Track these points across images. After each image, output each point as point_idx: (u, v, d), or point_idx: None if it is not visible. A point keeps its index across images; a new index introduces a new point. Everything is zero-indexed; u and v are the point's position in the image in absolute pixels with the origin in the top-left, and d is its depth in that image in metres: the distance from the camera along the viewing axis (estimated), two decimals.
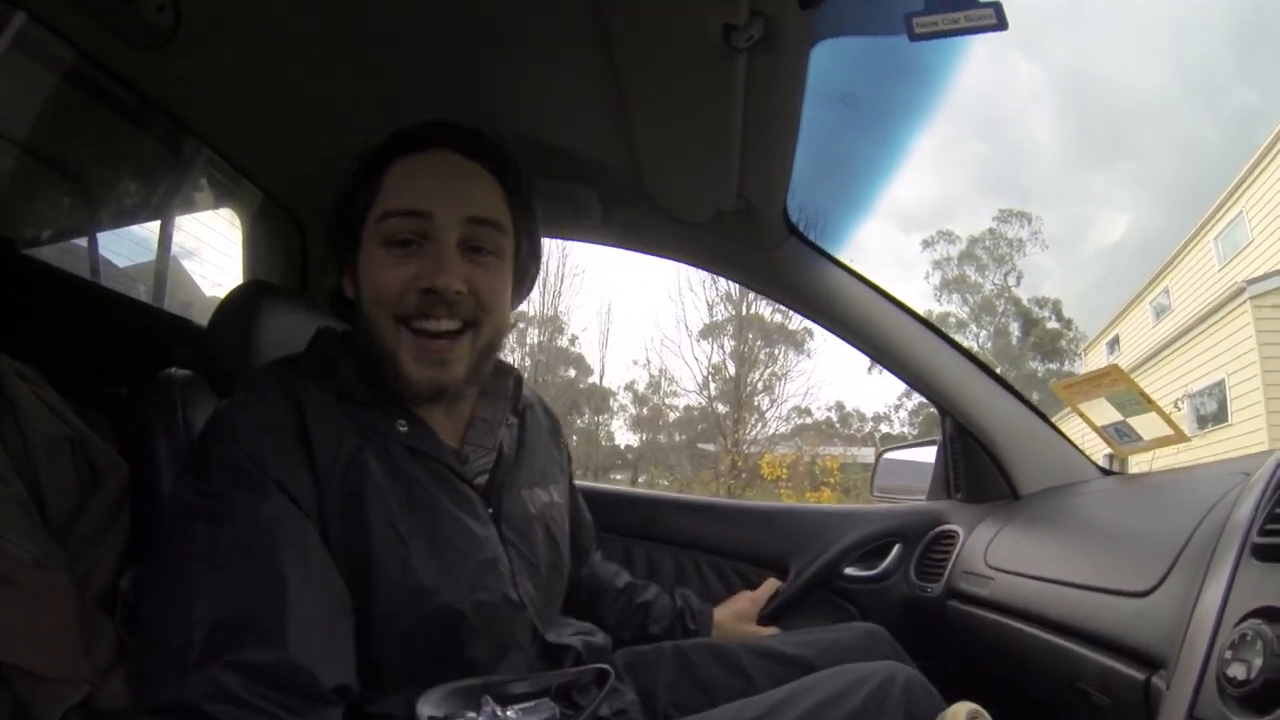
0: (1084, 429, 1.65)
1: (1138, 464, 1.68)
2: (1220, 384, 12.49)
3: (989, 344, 24.20)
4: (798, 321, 17.41)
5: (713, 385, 18.29)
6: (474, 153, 1.06)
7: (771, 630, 1.55)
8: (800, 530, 1.85)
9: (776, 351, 18.09)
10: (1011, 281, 24.97)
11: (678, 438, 19.80)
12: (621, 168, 1.39)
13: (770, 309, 17.52)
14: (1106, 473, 1.65)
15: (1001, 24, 0.87)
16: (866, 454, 17.36)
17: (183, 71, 1.27)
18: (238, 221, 1.84)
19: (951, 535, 1.73)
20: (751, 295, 16.81)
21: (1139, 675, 0.94)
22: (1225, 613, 0.78)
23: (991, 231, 25.18)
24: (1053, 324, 24.89)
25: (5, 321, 1.14)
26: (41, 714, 0.78)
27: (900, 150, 1.56)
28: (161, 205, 1.80)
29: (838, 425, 21.83)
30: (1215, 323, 12.54)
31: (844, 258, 1.66)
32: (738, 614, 1.55)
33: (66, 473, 0.94)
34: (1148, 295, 17.78)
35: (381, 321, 1.00)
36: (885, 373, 1.76)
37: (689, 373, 19.44)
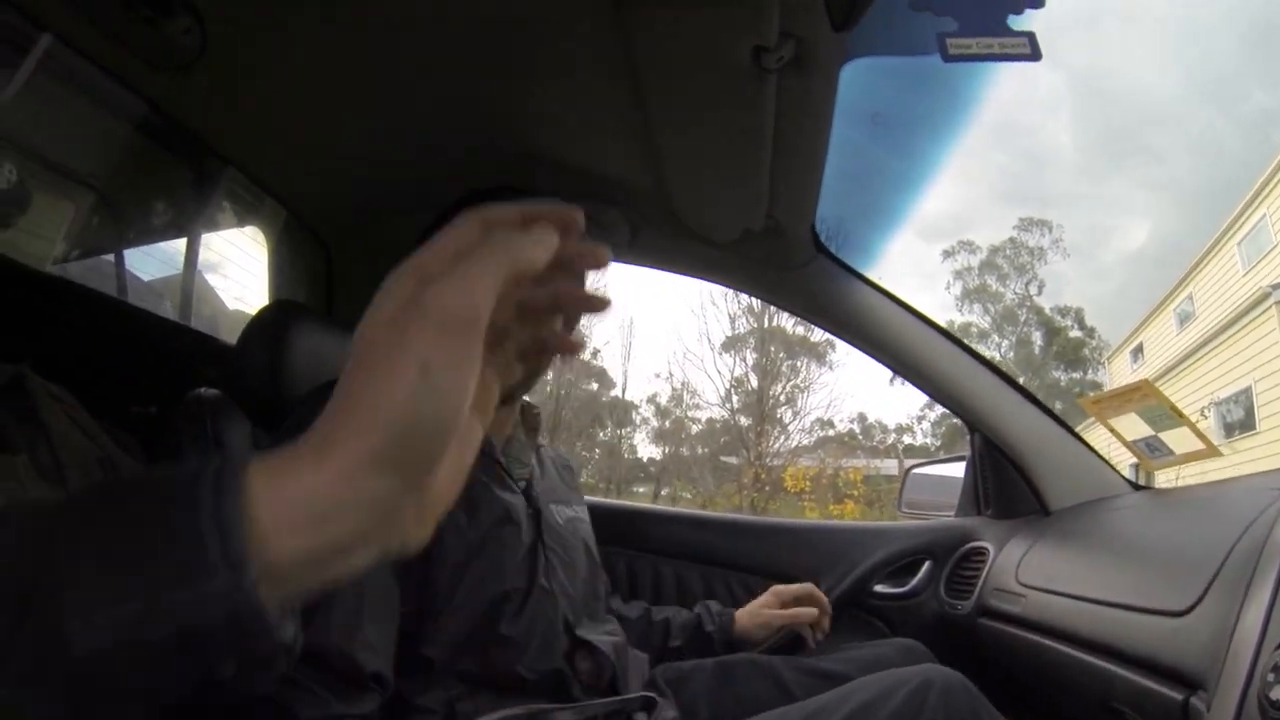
0: (1107, 441, 1.64)
1: (1163, 476, 1.67)
2: (1247, 391, 12.32)
3: (1011, 354, 23.97)
4: (820, 334, 17.30)
5: (735, 398, 18.25)
6: None
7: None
8: (830, 547, 1.85)
9: (799, 364, 18.03)
10: (1033, 290, 24.75)
11: (700, 450, 19.71)
12: (650, 189, 1.40)
13: (792, 321, 17.44)
14: (1137, 487, 1.64)
15: (1035, 54, 0.87)
16: (890, 466, 17.22)
17: (208, 92, 1.30)
18: (262, 239, 1.87)
19: (982, 552, 1.72)
20: (773, 308, 16.79)
21: (1177, 696, 0.93)
22: (1267, 634, 0.78)
23: (1012, 240, 24.97)
24: (1075, 333, 24.62)
25: (37, 341, 1.17)
26: None
27: (929, 168, 1.56)
28: (188, 223, 1.84)
29: (860, 437, 21.63)
30: (1240, 329, 12.38)
31: (869, 273, 1.66)
32: (756, 609, 1.50)
33: None
34: (1171, 302, 17.56)
35: None
36: (908, 384, 1.76)
37: (711, 385, 19.37)
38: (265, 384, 1.21)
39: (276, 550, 0.39)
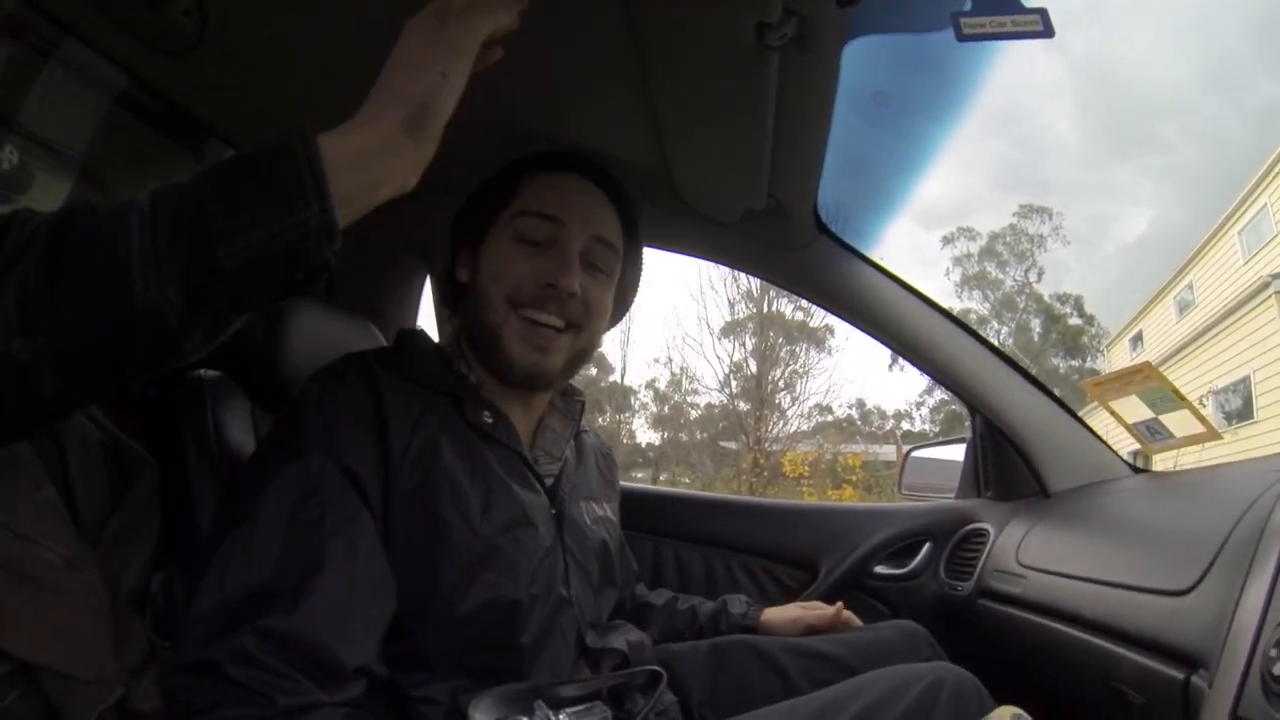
0: (1108, 425, 1.64)
1: (1161, 461, 1.68)
2: (1245, 380, 12.36)
3: (1010, 340, 24.05)
4: (819, 319, 17.42)
5: (734, 383, 18.31)
6: (602, 183, 1.18)
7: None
8: (830, 529, 1.85)
9: (798, 349, 18.08)
10: (1033, 278, 24.83)
11: (699, 436, 19.80)
12: (651, 167, 1.39)
13: (791, 306, 17.50)
14: (1136, 470, 1.64)
15: (1048, 31, 0.86)
16: (888, 451, 17.30)
17: (208, 76, 1.28)
18: None
19: (982, 533, 1.73)
20: (773, 293, 16.80)
21: (1178, 675, 0.94)
22: (1269, 612, 0.78)
23: (1012, 227, 25.05)
24: (1075, 320, 24.71)
25: None
26: (73, 717, 0.78)
27: (930, 148, 1.55)
28: None
29: (859, 423, 21.76)
30: (1240, 318, 12.40)
31: (871, 255, 1.66)
32: (785, 622, 1.43)
33: (99, 476, 0.95)
34: (1171, 290, 17.58)
35: (496, 300, 1.09)
36: (906, 370, 1.77)
37: (710, 370, 19.52)
38: (265, 365, 1.21)
39: (342, 185, 0.64)
